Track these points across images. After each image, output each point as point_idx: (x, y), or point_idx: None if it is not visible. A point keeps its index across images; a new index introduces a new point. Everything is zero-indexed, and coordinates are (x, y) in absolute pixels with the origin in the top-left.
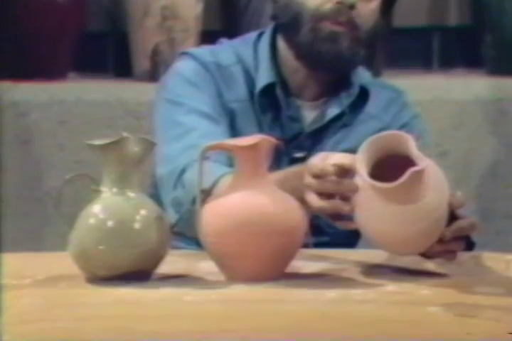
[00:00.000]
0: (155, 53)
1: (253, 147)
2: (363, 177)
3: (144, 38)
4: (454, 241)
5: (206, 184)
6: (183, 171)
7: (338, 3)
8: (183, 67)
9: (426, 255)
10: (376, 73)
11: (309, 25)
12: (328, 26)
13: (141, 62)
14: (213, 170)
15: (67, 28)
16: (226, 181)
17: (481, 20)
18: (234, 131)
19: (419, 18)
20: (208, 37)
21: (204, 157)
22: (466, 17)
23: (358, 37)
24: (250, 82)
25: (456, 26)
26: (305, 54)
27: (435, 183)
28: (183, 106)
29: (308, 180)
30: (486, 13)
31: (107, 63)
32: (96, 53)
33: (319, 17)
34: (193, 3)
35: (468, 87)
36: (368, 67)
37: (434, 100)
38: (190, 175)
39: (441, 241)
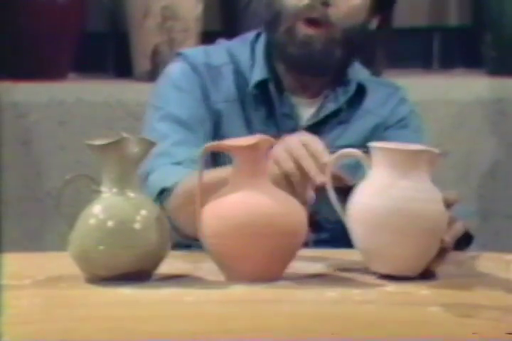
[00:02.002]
0: (155, 54)
1: (252, 147)
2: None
3: (144, 39)
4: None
5: (168, 183)
6: (148, 174)
7: None
8: (172, 69)
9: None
10: (376, 73)
11: (285, 25)
12: (302, 29)
13: (141, 62)
14: (178, 172)
15: (67, 28)
16: (187, 181)
17: (481, 20)
18: (220, 132)
19: (419, 18)
20: (208, 37)
21: (204, 158)
22: (466, 17)
23: (332, 37)
24: (243, 81)
25: (456, 26)
26: (281, 56)
27: (434, 220)
28: (160, 110)
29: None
30: (486, 14)
31: (107, 63)
32: (96, 53)
33: (295, 15)
34: (193, 3)
35: (468, 87)
36: (368, 67)
37: (435, 100)
38: (153, 178)
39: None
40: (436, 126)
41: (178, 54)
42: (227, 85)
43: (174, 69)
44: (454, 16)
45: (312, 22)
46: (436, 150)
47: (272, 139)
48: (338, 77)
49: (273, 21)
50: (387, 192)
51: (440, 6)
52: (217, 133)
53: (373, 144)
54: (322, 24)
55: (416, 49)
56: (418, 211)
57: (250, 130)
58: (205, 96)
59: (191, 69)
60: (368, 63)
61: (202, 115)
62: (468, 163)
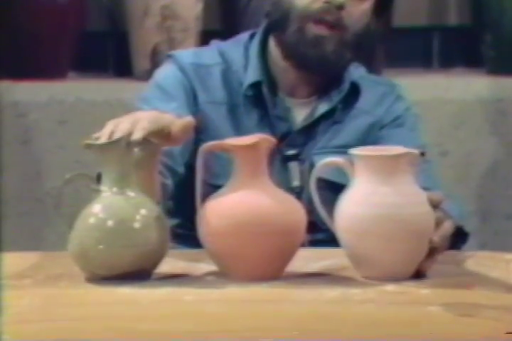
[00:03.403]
0: (155, 53)
1: (253, 147)
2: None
3: (144, 38)
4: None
5: None
6: None
7: (326, 2)
8: (158, 72)
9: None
10: (376, 73)
11: (296, 25)
12: (313, 29)
13: (141, 62)
14: None
15: (67, 28)
16: None
17: (481, 20)
18: (205, 134)
19: (419, 18)
20: (208, 37)
21: (203, 157)
22: (466, 17)
23: (344, 39)
24: (236, 82)
25: (456, 26)
26: (290, 55)
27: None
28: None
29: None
30: (486, 13)
31: (107, 63)
32: (96, 53)
33: (306, 16)
34: (192, 3)
35: (468, 87)
36: (368, 67)
37: (434, 100)
38: None
39: (428, 257)
40: (436, 125)
41: (169, 56)
42: (216, 86)
43: (160, 71)
44: (453, 16)
45: (325, 23)
46: (415, 151)
47: (273, 139)
48: (333, 77)
49: (281, 21)
50: (370, 200)
51: (440, 5)
52: (202, 134)
53: (353, 151)
54: (335, 27)
55: (416, 48)
56: (403, 216)
57: (240, 133)
58: (191, 98)
59: (179, 70)
60: (368, 62)
61: (180, 114)
62: (468, 162)
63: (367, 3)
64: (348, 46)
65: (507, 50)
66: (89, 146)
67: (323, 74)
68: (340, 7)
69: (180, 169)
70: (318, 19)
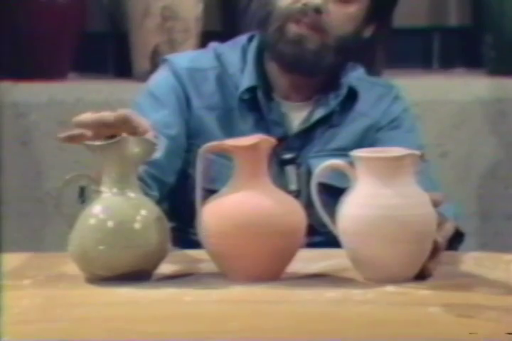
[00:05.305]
0: (155, 54)
1: (252, 147)
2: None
3: (144, 39)
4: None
5: None
6: None
7: (303, 4)
8: (153, 78)
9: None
10: (376, 73)
11: (276, 24)
12: (293, 28)
13: (141, 62)
14: None
15: (67, 28)
16: None
17: (481, 20)
18: (199, 139)
19: (419, 18)
20: (208, 38)
21: (203, 158)
22: (466, 17)
23: (325, 42)
24: (232, 85)
25: (456, 26)
26: (271, 53)
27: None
28: None
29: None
30: (486, 14)
31: (107, 64)
32: (96, 54)
33: (285, 17)
34: (193, 3)
35: (468, 87)
36: (367, 68)
37: (434, 101)
38: None
39: (431, 258)
40: (436, 126)
41: (164, 60)
42: (211, 90)
43: (154, 77)
44: (454, 16)
45: (304, 24)
46: (417, 152)
47: (273, 140)
48: (330, 81)
49: (265, 20)
50: (372, 202)
51: (440, 6)
52: (196, 140)
53: (354, 153)
54: (314, 28)
55: (416, 49)
56: (405, 217)
57: (234, 138)
58: (184, 104)
59: (173, 75)
60: (368, 63)
61: (170, 122)
62: (468, 162)
63: (352, 7)
64: (329, 49)
65: (507, 50)
66: (89, 147)
67: (303, 74)
68: (317, 10)
69: (170, 179)
70: (296, 20)
